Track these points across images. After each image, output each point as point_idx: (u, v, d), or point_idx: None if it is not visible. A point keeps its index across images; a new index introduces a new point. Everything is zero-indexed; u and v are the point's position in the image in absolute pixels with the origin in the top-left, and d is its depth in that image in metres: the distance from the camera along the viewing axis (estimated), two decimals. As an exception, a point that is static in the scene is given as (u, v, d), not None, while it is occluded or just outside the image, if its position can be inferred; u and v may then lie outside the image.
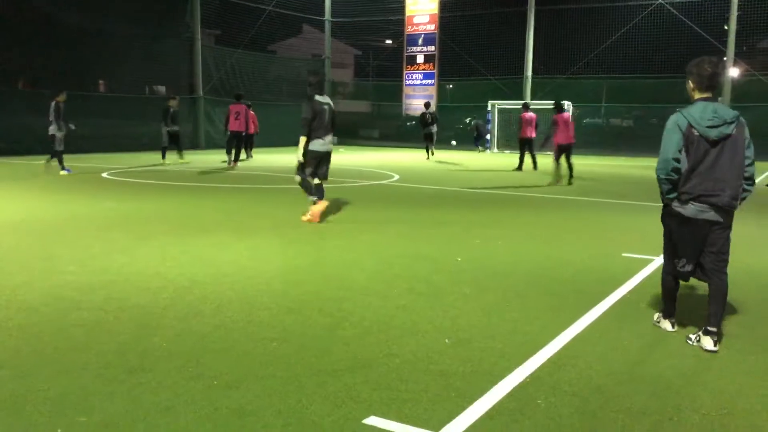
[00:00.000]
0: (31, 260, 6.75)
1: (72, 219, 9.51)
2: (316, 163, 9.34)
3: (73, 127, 15.82)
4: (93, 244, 7.59)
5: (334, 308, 5.27)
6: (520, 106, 29.67)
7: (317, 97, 9.29)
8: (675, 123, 4.55)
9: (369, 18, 36.58)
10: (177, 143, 20.00)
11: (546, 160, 18.71)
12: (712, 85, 4.63)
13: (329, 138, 9.43)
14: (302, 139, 9.21)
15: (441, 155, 26.08)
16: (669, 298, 4.90)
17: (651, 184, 15.86)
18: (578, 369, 4.09)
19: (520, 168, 19.84)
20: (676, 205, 4.61)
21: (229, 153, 19.54)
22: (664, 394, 3.77)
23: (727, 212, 4.54)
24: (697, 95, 4.66)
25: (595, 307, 5.43)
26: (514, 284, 6.19)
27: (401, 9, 34.87)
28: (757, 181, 4.48)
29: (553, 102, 17.44)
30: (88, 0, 25.46)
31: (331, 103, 9.53)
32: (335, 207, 11.29)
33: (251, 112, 21.15)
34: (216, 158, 22.39)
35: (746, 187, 4.57)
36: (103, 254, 7.09)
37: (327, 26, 36.93)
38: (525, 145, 20.11)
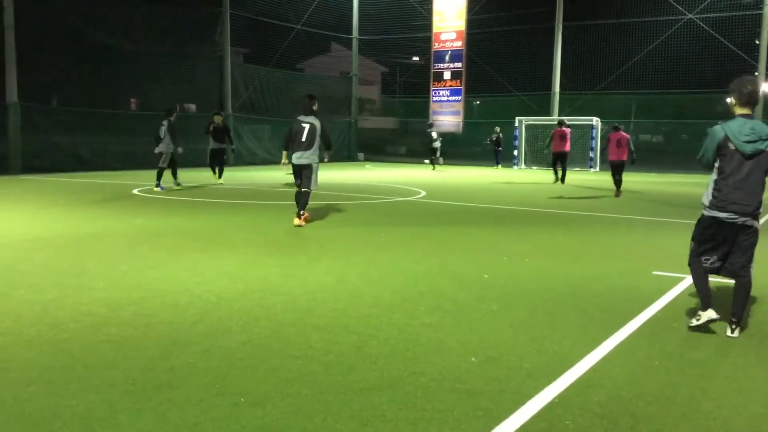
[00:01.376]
0: (63, 276, 6.85)
1: (103, 235, 9.64)
2: (295, 173, 10.85)
3: (180, 150, 16.57)
4: (123, 261, 7.68)
5: (361, 326, 5.26)
6: (547, 122, 30.12)
7: (299, 117, 10.70)
8: (714, 134, 5.08)
9: (396, 35, 36.80)
10: (217, 162, 18.89)
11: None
12: (751, 101, 5.07)
13: (302, 153, 10.57)
14: (284, 153, 11.44)
15: (467, 172, 26.02)
16: (702, 289, 5.23)
17: (682, 201, 15.76)
18: (607, 389, 4.03)
19: (557, 180, 20.95)
20: (710, 210, 5.12)
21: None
22: (694, 416, 3.69)
23: (754, 219, 5.06)
24: (737, 111, 5.11)
25: (624, 325, 5.35)
26: (542, 302, 6.13)
27: (428, 26, 35.02)
28: None
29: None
30: (119, 20, 25.99)
31: (314, 122, 10.63)
32: (362, 223, 11.31)
33: None
34: (246, 175, 22.61)
35: None
36: (133, 270, 7.17)
37: (354, 44, 37.21)
38: (558, 159, 21.01)
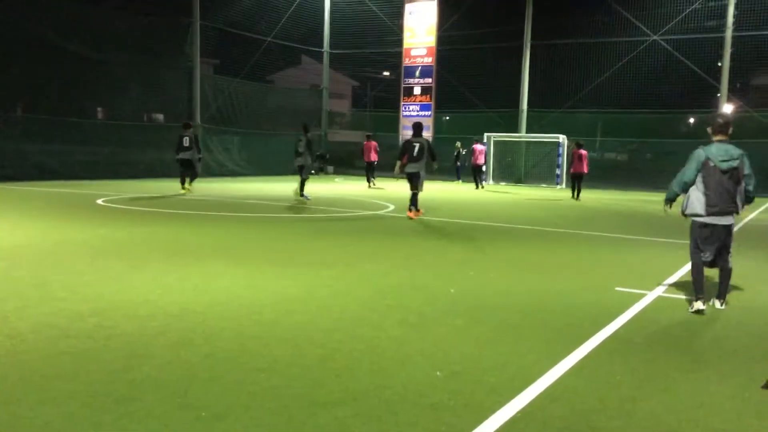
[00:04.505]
0: (23, 287, 6.72)
1: (65, 245, 9.48)
2: (409, 179, 14.50)
3: (313, 169, 18.47)
4: (85, 271, 7.56)
5: (326, 339, 5.24)
6: (515, 139, 31.09)
7: (411, 138, 14.57)
8: (696, 156, 6.54)
9: (367, 50, 36.93)
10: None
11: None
12: (724, 131, 6.59)
13: (414, 164, 14.24)
14: (397, 163, 14.66)
15: (435, 186, 26.16)
16: (697, 280, 6.56)
17: (646, 219, 16.02)
18: (570, 404, 4.06)
19: (477, 188, 27.14)
20: (703, 218, 6.50)
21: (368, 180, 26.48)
22: (655, 430, 3.74)
23: (732, 219, 6.56)
24: (715, 138, 6.61)
25: (587, 340, 5.41)
26: (507, 316, 6.17)
27: (399, 41, 35.22)
28: None
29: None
30: (87, 28, 25.68)
31: (423, 142, 14.34)
32: (331, 237, 11.29)
33: (374, 142, 27.54)
34: (214, 186, 22.44)
35: (748, 195, 6.61)
36: (95, 281, 7.06)
37: (325, 57, 37.27)
38: (476, 171, 27.40)
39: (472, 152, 27.30)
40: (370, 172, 26.86)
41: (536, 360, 4.88)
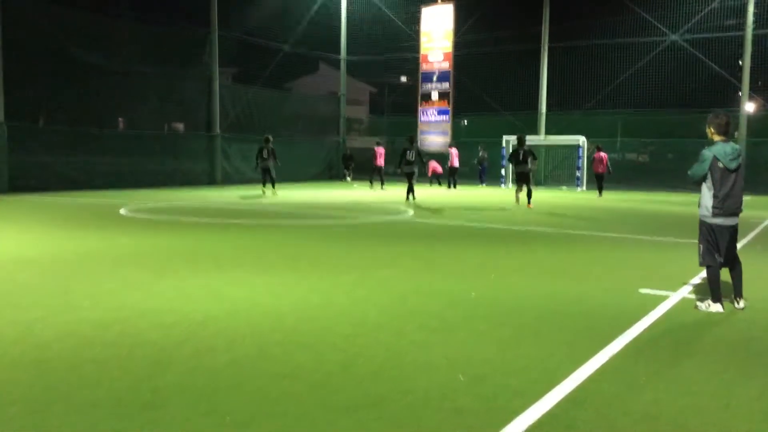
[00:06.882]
0: (46, 296, 6.79)
1: (88, 255, 9.57)
2: (519, 177, 18.77)
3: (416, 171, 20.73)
4: (108, 280, 7.63)
5: (348, 344, 5.24)
6: (534, 142, 31.17)
7: (517, 148, 18.57)
8: (705, 156, 6.43)
9: (384, 56, 36.97)
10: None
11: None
12: (728, 131, 6.50)
13: (523, 164, 18.33)
14: (509, 164, 20.46)
15: (461, 190, 26.07)
16: (716, 284, 6.53)
17: (668, 220, 15.87)
18: (594, 407, 4.02)
19: (439, 184, 30.45)
20: (713, 218, 6.46)
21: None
22: (682, 433, 3.70)
23: (737, 219, 6.55)
24: (716, 138, 6.50)
25: (611, 343, 5.36)
26: (530, 320, 6.14)
27: (416, 47, 35.25)
28: None
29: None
30: (108, 40, 25.99)
31: (527, 150, 18.35)
32: (350, 242, 11.30)
33: (382, 148, 29.67)
34: (234, 194, 22.55)
35: None
36: (118, 290, 7.12)
37: (342, 64, 37.38)
38: (453, 172, 29.61)
39: (450, 156, 29.66)
40: (378, 175, 28.85)
41: (560, 363, 4.84)
